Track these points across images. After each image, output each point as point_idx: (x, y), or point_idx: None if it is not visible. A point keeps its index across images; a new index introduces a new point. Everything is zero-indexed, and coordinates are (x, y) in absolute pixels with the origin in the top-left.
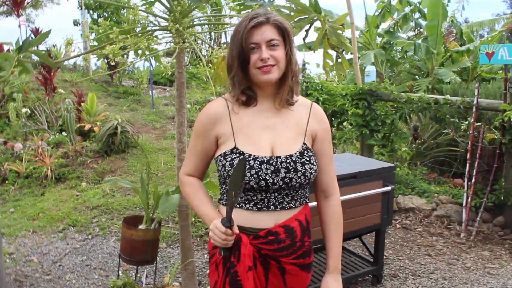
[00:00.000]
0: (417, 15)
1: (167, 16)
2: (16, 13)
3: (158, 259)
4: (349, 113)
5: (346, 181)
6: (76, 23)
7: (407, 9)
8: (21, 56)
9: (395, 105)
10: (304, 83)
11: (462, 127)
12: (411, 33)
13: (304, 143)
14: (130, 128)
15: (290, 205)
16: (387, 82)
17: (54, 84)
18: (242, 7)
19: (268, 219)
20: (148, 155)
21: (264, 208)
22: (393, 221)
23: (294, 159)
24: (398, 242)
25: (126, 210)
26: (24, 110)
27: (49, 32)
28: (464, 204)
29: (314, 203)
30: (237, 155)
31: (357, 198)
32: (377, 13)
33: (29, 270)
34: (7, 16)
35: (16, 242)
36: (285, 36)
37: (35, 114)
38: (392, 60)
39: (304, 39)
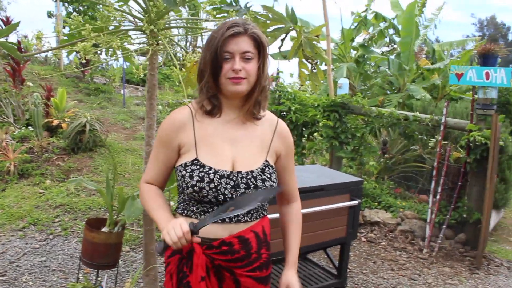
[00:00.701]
0: (391, 31)
1: (142, 17)
2: None
3: (120, 263)
4: (320, 124)
5: (314, 193)
6: (50, 15)
7: (382, 25)
8: None
9: (366, 119)
10: (277, 92)
11: (430, 144)
12: (385, 48)
13: (266, 160)
14: (99, 126)
15: (246, 218)
16: (359, 96)
17: (23, 77)
18: (217, 11)
19: (223, 230)
20: (116, 156)
21: (219, 221)
22: (358, 234)
23: (255, 175)
24: (363, 255)
25: (90, 211)
26: None
27: (17, 24)
28: (428, 220)
29: (275, 215)
30: (198, 167)
31: (324, 211)
32: (353, 27)
33: None
34: None
35: None
36: (261, 49)
37: (1, 106)
38: (365, 74)
39: (279, 48)
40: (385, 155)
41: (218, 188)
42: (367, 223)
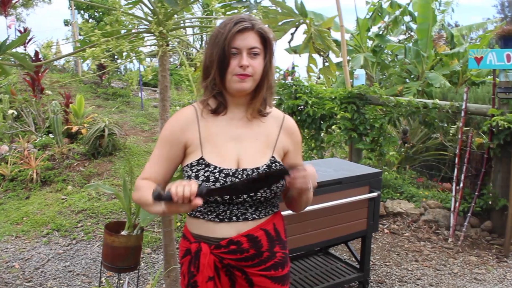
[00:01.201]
0: (408, 18)
1: (150, 19)
2: (3, 12)
3: (142, 264)
4: (338, 116)
5: (332, 187)
6: (67, 23)
7: (397, 13)
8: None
9: (384, 109)
10: (293, 86)
11: (451, 131)
12: (402, 37)
13: (273, 156)
14: (118, 130)
15: (253, 216)
16: (376, 86)
17: (42, 85)
18: (227, 8)
19: (230, 229)
20: (135, 158)
21: (226, 220)
22: (381, 226)
23: (260, 172)
24: (386, 247)
25: (111, 214)
26: (10, 111)
27: (28, 33)
28: (452, 209)
29: (288, 212)
30: (203, 166)
31: (343, 204)
32: (368, 16)
33: (10, 276)
34: (5, 16)
35: None
36: (267, 46)
37: (22, 115)
38: (383, 63)
39: (289, 42)
40: (406, 145)
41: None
42: (390, 214)
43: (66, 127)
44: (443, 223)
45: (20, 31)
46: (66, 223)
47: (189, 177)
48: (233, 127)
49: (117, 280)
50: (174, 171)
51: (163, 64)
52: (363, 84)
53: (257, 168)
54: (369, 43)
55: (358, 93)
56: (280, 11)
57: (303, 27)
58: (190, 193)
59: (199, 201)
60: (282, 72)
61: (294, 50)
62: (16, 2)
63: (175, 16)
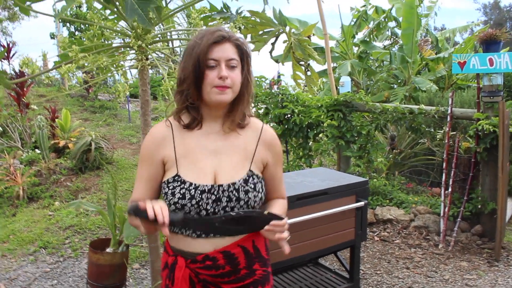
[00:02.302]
0: (393, 24)
1: (129, 33)
2: None
3: (130, 281)
4: (325, 124)
5: (318, 197)
6: (53, 36)
7: (382, 18)
8: None
9: (371, 116)
10: (280, 95)
11: (438, 136)
12: (387, 42)
13: (250, 170)
14: (105, 144)
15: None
16: (362, 93)
17: (28, 100)
18: (208, 19)
19: (207, 244)
20: (123, 172)
21: (203, 235)
22: (371, 233)
23: (237, 187)
24: (376, 255)
25: (99, 230)
26: None
27: (4, 51)
28: (441, 214)
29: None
30: (179, 183)
31: (330, 215)
32: (352, 23)
33: None
34: None
35: None
36: (244, 58)
37: (7, 131)
38: (369, 69)
39: (270, 52)
40: (394, 151)
41: (200, 203)
42: (380, 222)
43: (53, 142)
44: (433, 229)
45: (3, 46)
46: (53, 240)
47: (165, 194)
48: (210, 141)
49: None
50: (160, 188)
51: (143, 78)
52: (349, 91)
53: (233, 184)
54: (355, 49)
55: (344, 101)
56: (258, 21)
57: (283, 36)
58: (163, 215)
59: (166, 231)
60: (268, 81)
61: (276, 60)
62: None
63: (156, 28)
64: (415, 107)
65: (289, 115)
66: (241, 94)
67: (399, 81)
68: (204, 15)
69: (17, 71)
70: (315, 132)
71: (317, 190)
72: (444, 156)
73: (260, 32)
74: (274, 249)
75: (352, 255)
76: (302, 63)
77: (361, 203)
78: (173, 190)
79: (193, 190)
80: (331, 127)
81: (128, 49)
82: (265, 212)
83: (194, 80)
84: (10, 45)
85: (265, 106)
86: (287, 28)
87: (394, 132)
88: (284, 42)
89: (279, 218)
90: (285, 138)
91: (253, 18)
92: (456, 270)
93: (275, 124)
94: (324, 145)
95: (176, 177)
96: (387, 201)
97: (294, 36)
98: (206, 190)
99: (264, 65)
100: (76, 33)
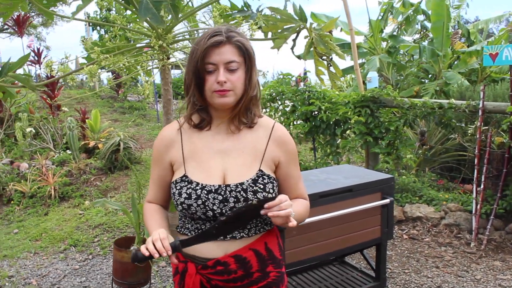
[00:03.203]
0: (422, 17)
1: (150, 33)
2: (19, 33)
3: (156, 278)
4: (352, 121)
5: (342, 195)
6: (83, 40)
7: (410, 12)
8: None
9: (399, 111)
10: (306, 92)
11: (469, 131)
12: (417, 36)
13: (260, 170)
14: (133, 144)
15: (242, 234)
16: (389, 88)
17: (59, 102)
18: (229, 18)
19: (217, 248)
20: (150, 171)
21: (209, 226)
22: (399, 231)
23: (245, 187)
24: (405, 253)
25: (128, 228)
26: (28, 129)
27: (28, 55)
28: (473, 212)
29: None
30: (186, 183)
31: (355, 212)
32: (380, 17)
33: None
34: (10, 36)
35: (17, 264)
36: (246, 57)
37: (40, 133)
38: (399, 64)
39: (292, 48)
40: (424, 147)
41: (206, 204)
42: (409, 219)
43: (83, 142)
44: (464, 227)
45: (34, 51)
46: (83, 238)
47: (173, 194)
48: (218, 141)
49: None
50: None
51: (165, 78)
52: (376, 87)
53: (241, 184)
54: (384, 44)
55: (372, 96)
56: (279, 18)
57: (305, 33)
58: (164, 249)
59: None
60: (294, 79)
61: (298, 57)
62: (30, 22)
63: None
64: (444, 102)
65: (316, 112)
66: (246, 94)
67: (429, 75)
68: (226, 13)
69: (48, 75)
70: (342, 128)
71: (341, 187)
72: (476, 151)
73: (279, 30)
74: (298, 247)
75: (378, 254)
76: (324, 58)
77: (387, 200)
78: (180, 190)
79: (200, 190)
80: (359, 123)
81: (150, 49)
82: (254, 202)
83: (196, 85)
84: (41, 50)
85: (292, 103)
86: (308, 24)
87: (424, 128)
88: (306, 38)
89: (268, 199)
90: (312, 135)
91: (273, 15)
92: (488, 270)
93: (302, 121)
94: (351, 142)
95: (184, 177)
96: (417, 198)
97: (315, 32)
98: (213, 190)
99: (290, 62)
100: (106, 36)
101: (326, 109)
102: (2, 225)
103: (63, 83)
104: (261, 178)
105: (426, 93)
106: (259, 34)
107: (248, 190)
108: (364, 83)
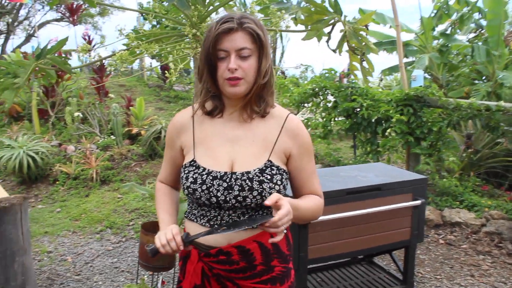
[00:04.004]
0: (478, 15)
1: (184, 22)
2: (72, 21)
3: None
4: (394, 120)
5: (370, 193)
6: (120, 29)
7: (465, 9)
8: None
9: (443, 112)
10: (349, 88)
11: None
12: (472, 35)
13: (269, 160)
14: None
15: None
16: (434, 87)
17: (107, 89)
18: (266, 9)
19: (221, 237)
20: None
21: (217, 226)
22: (436, 235)
23: (251, 176)
24: (439, 259)
25: None
26: (76, 114)
27: (66, 39)
28: None
29: (325, 217)
30: (194, 168)
31: (383, 212)
32: (433, 15)
33: (62, 269)
34: (69, 25)
35: (56, 241)
36: (259, 45)
37: (88, 118)
38: (450, 64)
39: (327, 42)
40: (469, 150)
41: (210, 190)
42: (447, 224)
43: (127, 129)
44: (507, 236)
45: (84, 39)
46: (119, 221)
47: (181, 178)
48: (229, 128)
49: (156, 278)
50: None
51: (197, 66)
52: (420, 86)
53: (248, 172)
54: (435, 43)
55: (415, 95)
56: (313, 9)
57: (341, 26)
58: (172, 236)
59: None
60: (337, 74)
61: (333, 50)
62: (83, 11)
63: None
64: (492, 104)
65: (357, 109)
66: (260, 82)
67: (483, 77)
68: (262, 6)
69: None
70: (383, 127)
71: (370, 185)
72: None
73: (315, 22)
74: (322, 242)
75: (407, 256)
76: (357, 53)
77: (418, 202)
78: (187, 175)
79: (205, 175)
80: (400, 122)
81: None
82: (247, 226)
83: (208, 72)
84: (92, 38)
85: (334, 99)
86: (343, 17)
87: (471, 130)
88: (341, 31)
89: (265, 219)
90: (353, 133)
91: (308, 6)
92: None
93: (343, 117)
94: (392, 141)
95: (192, 162)
96: (457, 203)
97: (349, 25)
98: (218, 177)
99: (335, 57)
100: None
101: (368, 106)
102: (46, 203)
103: (110, 70)
104: (269, 168)
105: (477, 94)
106: (298, 26)
107: (254, 179)
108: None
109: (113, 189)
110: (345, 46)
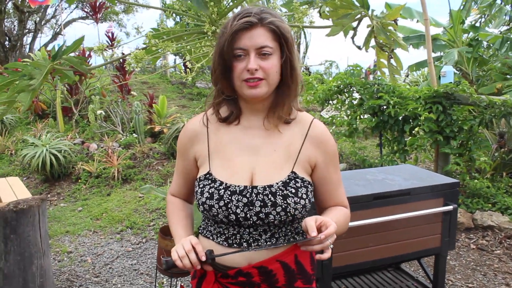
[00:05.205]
0: (510, 7)
1: (204, 19)
2: (95, 19)
3: None
4: (422, 118)
5: (398, 198)
6: (137, 27)
7: (498, 1)
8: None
9: (475, 110)
10: (375, 85)
11: None
12: (505, 28)
13: (293, 172)
14: None
15: (268, 243)
16: (465, 84)
17: (129, 87)
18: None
19: (240, 257)
20: None
21: (235, 245)
22: (467, 240)
23: (274, 190)
24: (471, 265)
25: None
26: (99, 111)
27: (82, 39)
28: None
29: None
30: (209, 181)
31: (412, 218)
32: (462, 7)
33: (81, 270)
34: (94, 23)
35: (76, 241)
36: (283, 42)
37: (110, 116)
38: (480, 58)
39: (352, 38)
40: (502, 149)
41: (229, 206)
42: (478, 228)
43: (149, 126)
44: None
45: (108, 36)
46: (139, 221)
47: (196, 192)
48: (249, 137)
49: (175, 282)
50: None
51: None
52: (450, 82)
53: (270, 186)
54: (465, 36)
55: (445, 92)
56: (338, 3)
57: (368, 21)
58: (196, 259)
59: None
60: (363, 70)
61: (358, 47)
62: (106, 8)
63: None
64: None
65: (384, 107)
66: (283, 84)
67: None
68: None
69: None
70: (411, 125)
71: (398, 189)
72: None
73: (340, 17)
74: (346, 250)
75: (437, 264)
76: (384, 49)
77: (450, 207)
78: (202, 189)
79: (223, 190)
80: (429, 120)
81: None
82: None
83: (222, 72)
84: (114, 36)
85: (360, 96)
86: (370, 11)
87: (504, 129)
88: (368, 26)
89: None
90: (379, 131)
91: (334, 1)
92: None
93: (369, 115)
94: (420, 140)
95: (208, 175)
96: (489, 205)
97: (376, 20)
98: (237, 192)
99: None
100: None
101: (395, 103)
102: (69, 202)
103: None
104: (293, 181)
105: (510, 91)
106: (322, 22)
107: (277, 193)
108: (438, 77)
109: (134, 188)
110: (372, 42)
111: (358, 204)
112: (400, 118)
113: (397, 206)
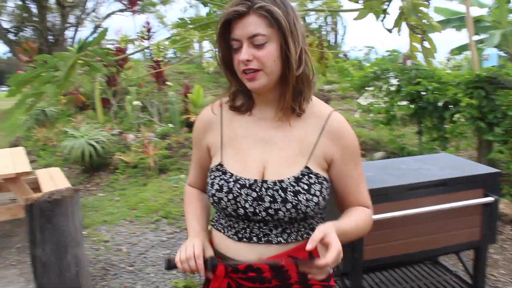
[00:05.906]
0: None
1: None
2: (132, 10)
3: None
4: (463, 104)
5: (434, 188)
6: (160, 17)
7: None
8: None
9: None
10: (412, 71)
11: None
12: None
13: (307, 167)
14: None
15: (279, 239)
16: (510, 67)
17: (165, 77)
18: None
19: (250, 251)
20: None
21: (245, 239)
22: (511, 232)
23: (285, 186)
24: None
25: None
26: (135, 102)
27: (106, 30)
28: None
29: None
30: (220, 173)
31: (449, 210)
32: None
33: (116, 259)
34: (132, 14)
35: (113, 230)
36: (281, 27)
37: (147, 106)
38: None
39: (382, 20)
40: None
41: (238, 200)
42: None
43: (185, 116)
44: None
45: (144, 26)
46: (174, 211)
47: (207, 183)
48: (261, 128)
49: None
50: None
51: None
52: (494, 66)
53: (281, 181)
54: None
55: (487, 77)
56: None
57: (399, 3)
58: (195, 267)
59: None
60: (401, 55)
61: (389, 30)
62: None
63: None
64: None
65: (422, 93)
66: (285, 73)
67: None
68: None
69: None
70: (451, 112)
71: (434, 180)
72: None
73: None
74: (378, 243)
75: (477, 259)
76: (416, 31)
77: (490, 199)
78: (213, 181)
79: (232, 183)
80: (470, 106)
81: None
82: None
83: (223, 65)
84: (151, 26)
85: (398, 83)
86: None
87: None
88: (399, 8)
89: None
90: (418, 118)
91: None
92: None
93: (407, 102)
94: (461, 127)
95: (219, 166)
96: None
97: (407, 0)
98: (247, 185)
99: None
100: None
101: (434, 89)
102: (107, 191)
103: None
104: (306, 176)
105: None
106: (350, 5)
107: (288, 189)
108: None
109: (170, 178)
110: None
111: (391, 195)
112: (439, 104)
113: (432, 197)
